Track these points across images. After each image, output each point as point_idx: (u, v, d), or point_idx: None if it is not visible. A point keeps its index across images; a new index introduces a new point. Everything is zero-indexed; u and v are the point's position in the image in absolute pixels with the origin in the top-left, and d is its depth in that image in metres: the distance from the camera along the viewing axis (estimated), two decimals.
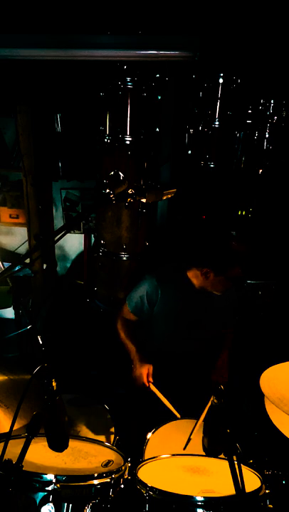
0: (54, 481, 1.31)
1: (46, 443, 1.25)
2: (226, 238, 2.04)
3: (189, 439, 1.79)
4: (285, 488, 1.52)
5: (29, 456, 1.25)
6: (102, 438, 1.67)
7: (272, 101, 2.91)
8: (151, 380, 2.03)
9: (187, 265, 2.14)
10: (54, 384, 1.21)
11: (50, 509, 1.29)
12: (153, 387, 2.00)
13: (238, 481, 1.13)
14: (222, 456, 1.18)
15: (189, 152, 3.17)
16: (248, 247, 2.05)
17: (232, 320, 2.36)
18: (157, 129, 3.06)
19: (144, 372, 2.04)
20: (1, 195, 3.44)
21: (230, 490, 1.17)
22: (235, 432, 1.19)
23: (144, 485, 1.39)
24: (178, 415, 1.92)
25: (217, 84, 2.82)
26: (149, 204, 2.73)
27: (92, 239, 3.47)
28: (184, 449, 1.76)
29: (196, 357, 2.27)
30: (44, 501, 1.29)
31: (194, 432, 1.81)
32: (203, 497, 1.31)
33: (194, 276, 2.11)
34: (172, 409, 1.93)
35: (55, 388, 1.21)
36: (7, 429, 1.25)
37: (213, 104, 2.88)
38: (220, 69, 2.78)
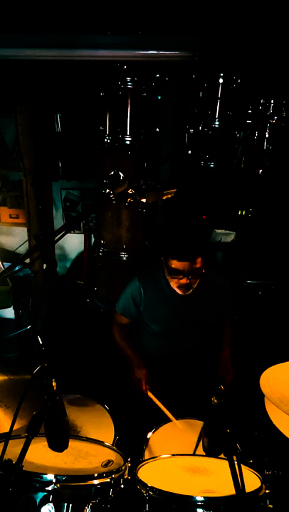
0: (54, 481, 1.31)
1: (46, 443, 1.25)
2: (188, 229, 2.05)
3: (198, 443, 1.79)
4: (285, 488, 1.52)
5: (29, 456, 1.25)
6: (102, 438, 1.67)
7: (272, 101, 2.91)
8: (147, 386, 2.04)
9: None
10: (54, 384, 1.21)
11: (50, 509, 1.28)
12: (150, 394, 2.00)
13: (238, 481, 1.13)
14: (222, 456, 1.18)
15: (189, 152, 3.17)
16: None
17: (227, 312, 2.34)
18: (157, 129, 3.06)
19: (142, 378, 2.05)
20: (1, 195, 3.44)
21: (230, 490, 1.17)
22: (235, 432, 1.18)
23: (144, 485, 1.39)
24: (174, 421, 1.89)
25: (217, 84, 2.83)
26: (149, 204, 2.72)
27: (92, 239, 3.47)
28: (194, 452, 1.76)
29: (196, 355, 2.27)
30: (44, 501, 1.29)
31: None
32: (203, 497, 1.31)
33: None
34: (169, 415, 1.91)
35: (55, 388, 1.22)
36: (7, 429, 1.25)
37: (213, 104, 2.88)
38: (220, 69, 2.78)
